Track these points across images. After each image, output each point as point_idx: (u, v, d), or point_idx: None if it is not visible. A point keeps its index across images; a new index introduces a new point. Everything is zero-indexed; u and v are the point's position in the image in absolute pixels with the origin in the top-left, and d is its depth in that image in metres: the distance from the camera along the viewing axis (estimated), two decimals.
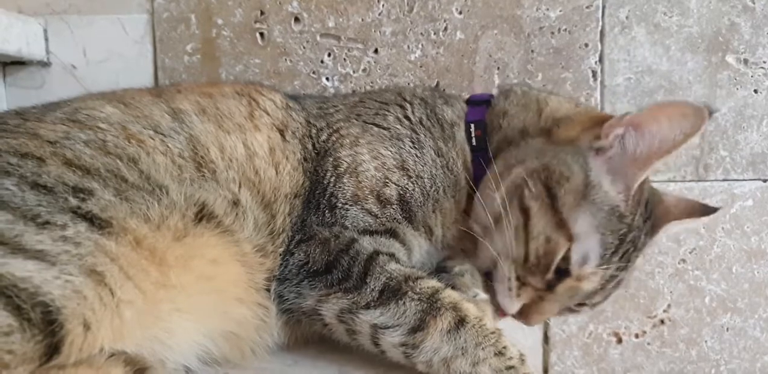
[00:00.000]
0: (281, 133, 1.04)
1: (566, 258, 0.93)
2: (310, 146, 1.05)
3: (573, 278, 0.94)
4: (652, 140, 0.93)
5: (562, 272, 0.94)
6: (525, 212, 0.96)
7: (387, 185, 1.01)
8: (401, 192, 1.01)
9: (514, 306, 0.97)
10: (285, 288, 0.94)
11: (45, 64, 1.42)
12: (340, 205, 0.98)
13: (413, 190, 1.01)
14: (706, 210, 1.08)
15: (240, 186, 0.95)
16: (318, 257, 0.94)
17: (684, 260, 1.47)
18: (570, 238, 0.93)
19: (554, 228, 0.94)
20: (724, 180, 1.46)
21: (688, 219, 1.06)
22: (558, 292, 0.96)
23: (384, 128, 1.07)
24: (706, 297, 1.48)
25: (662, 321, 1.48)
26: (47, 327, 0.65)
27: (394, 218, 1.00)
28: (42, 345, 0.64)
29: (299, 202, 1.00)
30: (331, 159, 1.03)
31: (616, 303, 1.47)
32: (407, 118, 1.09)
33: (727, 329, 1.49)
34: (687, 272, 1.47)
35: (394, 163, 1.03)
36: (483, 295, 0.99)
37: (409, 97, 1.14)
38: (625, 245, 0.95)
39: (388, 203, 1.00)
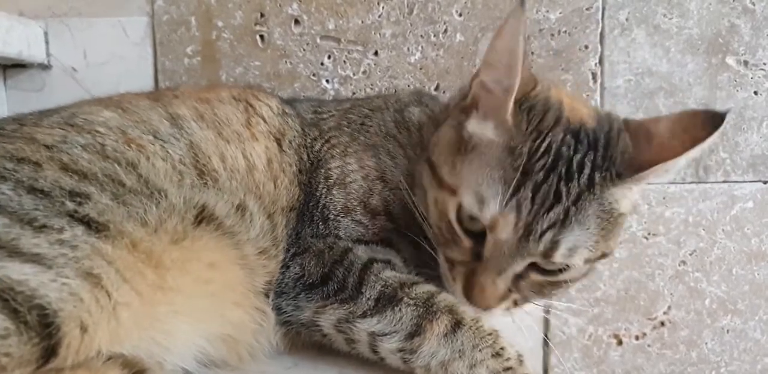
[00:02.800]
0: (278, 142, 1.05)
1: (461, 213, 0.87)
2: (305, 157, 1.06)
3: (490, 233, 0.85)
4: (500, 63, 0.85)
5: (479, 235, 0.87)
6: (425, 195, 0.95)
7: (372, 196, 1.01)
8: (385, 204, 1.01)
9: (457, 293, 0.90)
10: (283, 300, 0.95)
11: (45, 67, 1.43)
12: (332, 217, 0.99)
13: (394, 201, 1.01)
14: (713, 120, 0.85)
15: (245, 194, 0.96)
16: (313, 270, 0.94)
17: (684, 262, 1.47)
18: (454, 191, 0.87)
19: (439, 190, 0.91)
20: (724, 182, 1.45)
21: (694, 148, 0.83)
22: (486, 257, 0.86)
23: (367, 138, 1.07)
24: (707, 299, 1.48)
25: (662, 323, 1.48)
26: (44, 329, 0.65)
27: (385, 228, 1.00)
28: (39, 347, 0.65)
29: (294, 215, 1.01)
30: (323, 171, 1.03)
31: (616, 304, 1.47)
32: (383, 126, 1.08)
33: (728, 331, 1.48)
34: (687, 274, 1.47)
35: (377, 174, 1.03)
36: None
37: (390, 103, 1.13)
38: (533, 176, 0.83)
39: (377, 213, 1.00)
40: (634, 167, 0.85)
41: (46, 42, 1.43)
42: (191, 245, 0.84)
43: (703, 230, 1.46)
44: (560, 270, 0.89)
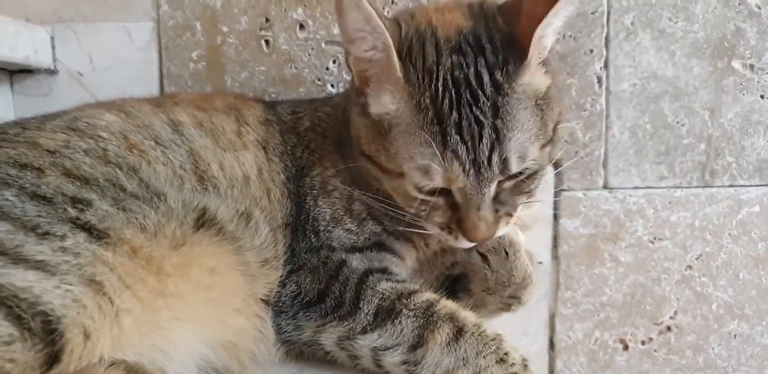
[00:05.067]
0: (264, 150, 1.05)
1: (420, 188, 0.88)
2: (289, 164, 1.05)
3: (450, 188, 0.87)
4: (363, 31, 0.85)
5: (446, 191, 0.88)
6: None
7: (353, 202, 1.00)
8: (366, 208, 1.00)
9: (463, 243, 0.91)
10: (282, 320, 0.95)
11: (52, 72, 1.43)
12: (322, 228, 0.99)
13: (373, 204, 0.98)
14: None
15: (250, 203, 0.96)
16: (309, 287, 0.94)
17: (690, 267, 1.46)
18: (401, 174, 0.88)
19: (389, 178, 0.92)
20: (731, 186, 1.45)
21: (555, 7, 0.82)
22: (461, 205, 0.87)
23: (333, 137, 1.05)
24: (713, 304, 1.47)
25: (669, 328, 1.47)
26: (48, 336, 0.66)
27: (375, 232, 1.00)
28: (42, 353, 0.65)
29: (289, 231, 1.00)
30: (308, 179, 1.03)
31: (622, 309, 1.46)
32: (342, 125, 1.05)
33: (735, 336, 1.47)
34: (694, 279, 1.46)
35: (350, 176, 1.01)
36: None
37: (344, 101, 1.09)
38: (449, 119, 0.83)
39: (363, 218, 1.00)
40: (519, 47, 0.85)
41: (53, 47, 1.43)
42: (191, 250, 0.84)
43: (710, 234, 1.45)
44: (523, 170, 0.88)
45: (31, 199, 0.76)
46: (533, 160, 0.86)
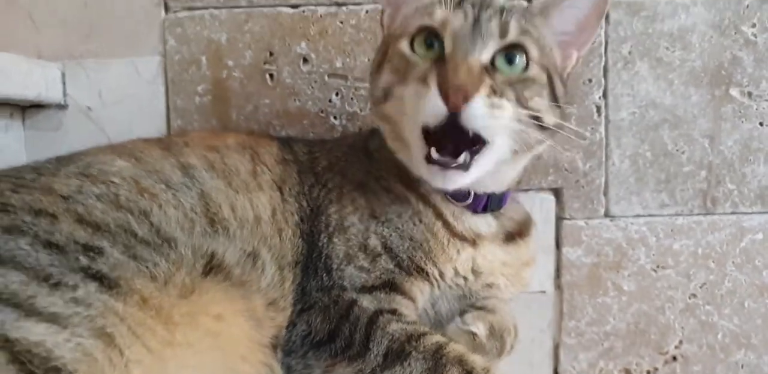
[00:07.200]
0: (280, 190, 1.06)
1: (414, 42, 0.96)
2: (304, 204, 1.07)
3: (444, 32, 0.94)
4: None
5: (435, 59, 0.93)
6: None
7: (369, 237, 1.02)
8: (382, 240, 1.01)
9: (433, 95, 0.88)
10: (292, 359, 0.96)
11: (62, 107, 1.47)
12: (335, 266, 1.00)
13: (390, 236, 1.01)
14: None
15: (258, 242, 0.97)
16: (320, 327, 0.95)
17: (695, 295, 1.45)
18: (400, 34, 0.99)
19: (389, 49, 1.01)
20: (733, 213, 1.45)
21: None
22: (448, 50, 0.92)
23: (353, 174, 1.08)
24: (719, 333, 1.46)
25: (674, 358, 1.46)
26: None
27: (387, 269, 1.00)
28: None
29: (299, 270, 1.01)
30: (323, 217, 1.04)
31: (626, 338, 1.46)
32: (360, 161, 1.11)
33: (742, 366, 1.46)
34: (698, 308, 1.46)
35: (369, 212, 1.04)
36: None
37: (357, 139, 1.18)
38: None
39: (377, 254, 1.01)
40: None
41: (64, 83, 1.47)
42: (199, 298, 0.85)
43: (713, 262, 1.45)
44: (524, 68, 0.95)
45: (44, 247, 0.78)
46: (528, 46, 0.95)
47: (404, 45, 0.97)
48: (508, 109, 0.90)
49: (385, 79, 0.99)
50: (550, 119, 0.96)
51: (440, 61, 0.91)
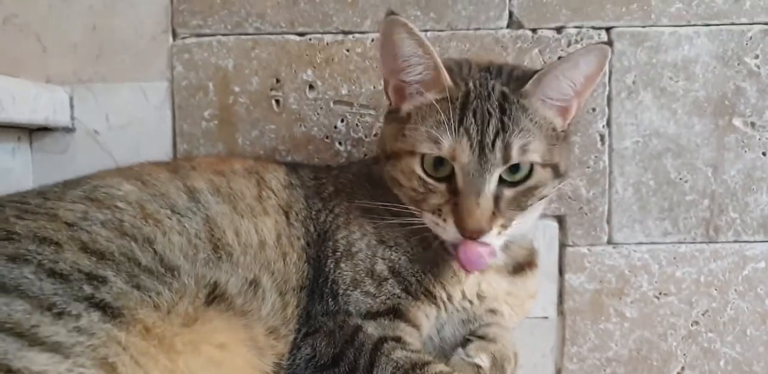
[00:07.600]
0: (287, 215, 1.07)
1: (425, 163, 1.00)
2: (311, 228, 1.08)
3: (454, 163, 0.98)
4: (413, 59, 1.03)
5: (447, 179, 0.99)
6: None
7: (377, 263, 1.04)
8: (390, 265, 1.03)
9: (450, 229, 0.99)
10: None
11: (69, 130, 1.48)
12: (341, 291, 1.01)
13: (399, 259, 1.04)
14: None
15: (260, 269, 0.98)
16: (324, 351, 0.96)
17: (697, 322, 1.46)
18: (411, 151, 1.01)
19: (399, 161, 1.04)
20: (735, 242, 1.46)
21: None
22: (461, 186, 0.97)
23: (360, 200, 1.10)
24: (721, 360, 1.46)
25: None
26: None
27: (393, 294, 1.02)
28: None
29: (305, 294, 1.02)
30: (330, 243, 1.06)
31: (628, 364, 1.46)
32: (366, 188, 1.13)
33: None
34: (700, 335, 1.46)
35: (377, 238, 1.06)
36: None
37: (362, 166, 1.22)
38: (469, 106, 1.00)
39: (384, 279, 1.02)
40: (523, 81, 1.03)
41: (71, 106, 1.48)
42: (202, 327, 0.86)
43: (715, 290, 1.45)
44: (525, 178, 1.00)
45: (49, 276, 0.79)
46: (532, 159, 0.99)
47: (416, 166, 1.01)
48: (517, 225, 1.02)
49: (400, 178, 1.05)
50: (554, 190, 1.07)
51: (452, 192, 0.98)
